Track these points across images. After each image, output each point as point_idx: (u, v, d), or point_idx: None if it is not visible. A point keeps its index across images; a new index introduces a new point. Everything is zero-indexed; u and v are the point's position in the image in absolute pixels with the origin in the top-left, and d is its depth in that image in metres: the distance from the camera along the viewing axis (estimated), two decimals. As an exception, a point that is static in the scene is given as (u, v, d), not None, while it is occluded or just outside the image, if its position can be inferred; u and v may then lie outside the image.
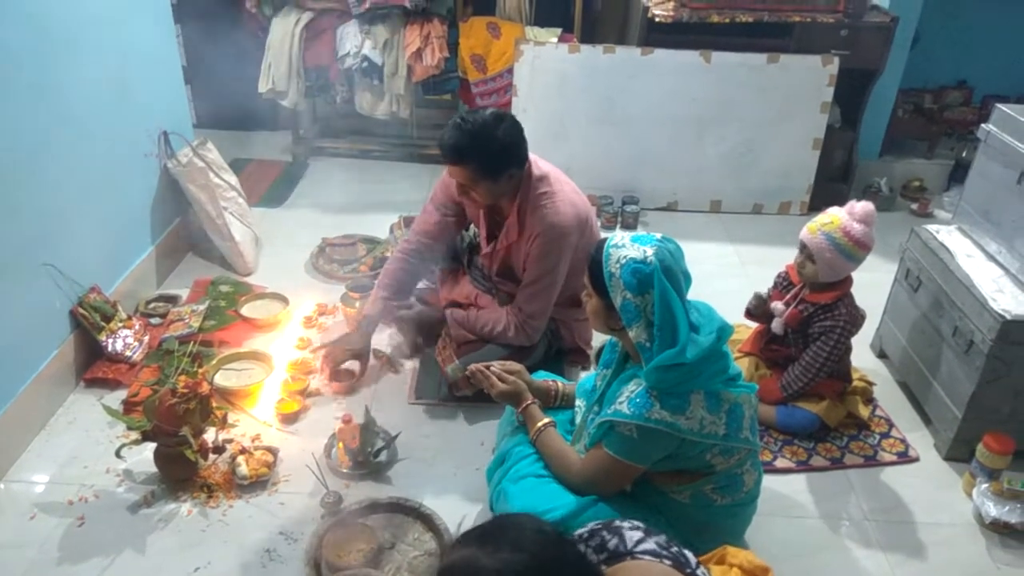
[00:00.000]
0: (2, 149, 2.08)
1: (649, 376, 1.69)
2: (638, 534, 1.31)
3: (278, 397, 2.44)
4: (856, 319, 2.33)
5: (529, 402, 2.01)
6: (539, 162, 2.39)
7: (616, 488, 1.83)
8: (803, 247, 2.32)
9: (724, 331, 1.75)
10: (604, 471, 1.79)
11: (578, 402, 2.04)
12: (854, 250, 2.23)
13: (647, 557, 1.26)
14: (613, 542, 1.29)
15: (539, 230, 2.32)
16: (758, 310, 2.47)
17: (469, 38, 3.81)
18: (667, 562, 1.25)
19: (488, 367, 2.08)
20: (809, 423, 2.36)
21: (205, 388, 2.07)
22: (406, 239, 2.61)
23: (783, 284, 2.46)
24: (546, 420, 1.97)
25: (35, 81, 2.20)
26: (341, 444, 2.22)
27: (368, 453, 2.23)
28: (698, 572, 1.27)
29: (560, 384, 2.15)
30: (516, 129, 2.27)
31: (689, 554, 1.31)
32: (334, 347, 2.49)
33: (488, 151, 2.22)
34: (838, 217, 2.26)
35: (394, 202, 3.77)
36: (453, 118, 2.27)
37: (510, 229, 2.40)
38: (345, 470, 2.20)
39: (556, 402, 2.12)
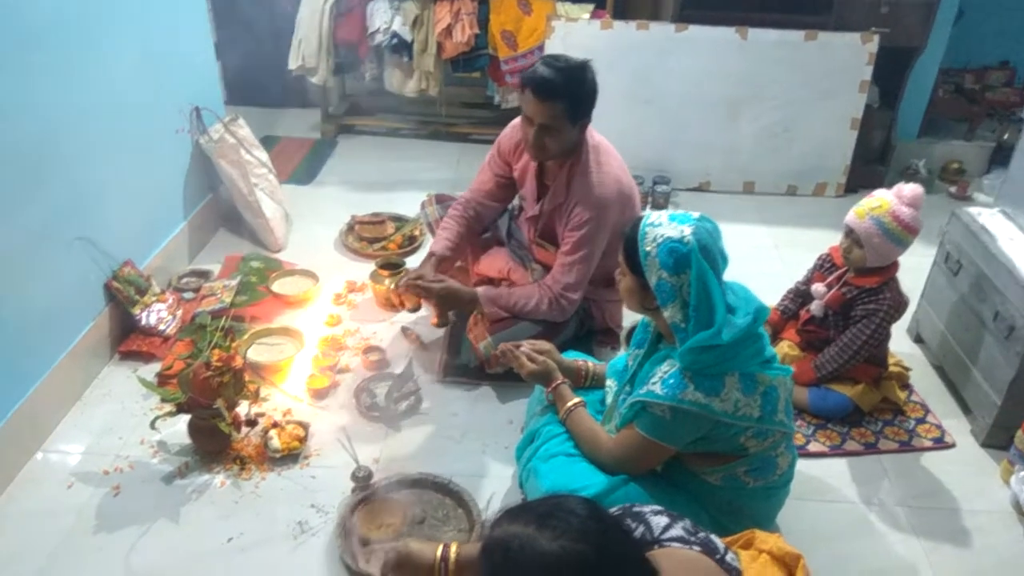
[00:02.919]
0: (36, 123, 2.09)
1: (683, 357, 1.67)
2: (663, 519, 1.29)
3: (309, 372, 2.45)
4: (900, 304, 2.28)
5: (559, 382, 2.00)
6: (593, 131, 2.37)
7: (646, 468, 1.82)
8: (849, 232, 2.26)
9: (761, 312, 1.72)
10: (635, 451, 1.77)
11: (608, 382, 2.02)
12: (903, 234, 2.18)
13: (675, 544, 1.23)
14: (639, 530, 1.26)
15: (580, 198, 2.32)
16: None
17: (499, 14, 3.77)
18: (696, 548, 1.23)
19: (518, 347, 2.07)
20: (842, 407, 2.33)
21: (239, 362, 2.09)
22: (462, 194, 2.65)
23: (826, 266, 2.41)
24: (576, 400, 1.96)
25: (69, 55, 2.21)
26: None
27: (393, 398, 2.30)
28: (727, 558, 1.25)
29: (590, 364, 2.14)
30: (596, 79, 2.26)
31: (716, 539, 1.29)
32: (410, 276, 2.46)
33: (579, 92, 2.22)
34: (887, 201, 2.21)
35: (422, 180, 3.75)
36: (540, 58, 2.29)
37: (557, 191, 2.39)
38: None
39: (586, 382, 2.10)
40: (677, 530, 1.25)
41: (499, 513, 1.14)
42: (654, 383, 1.70)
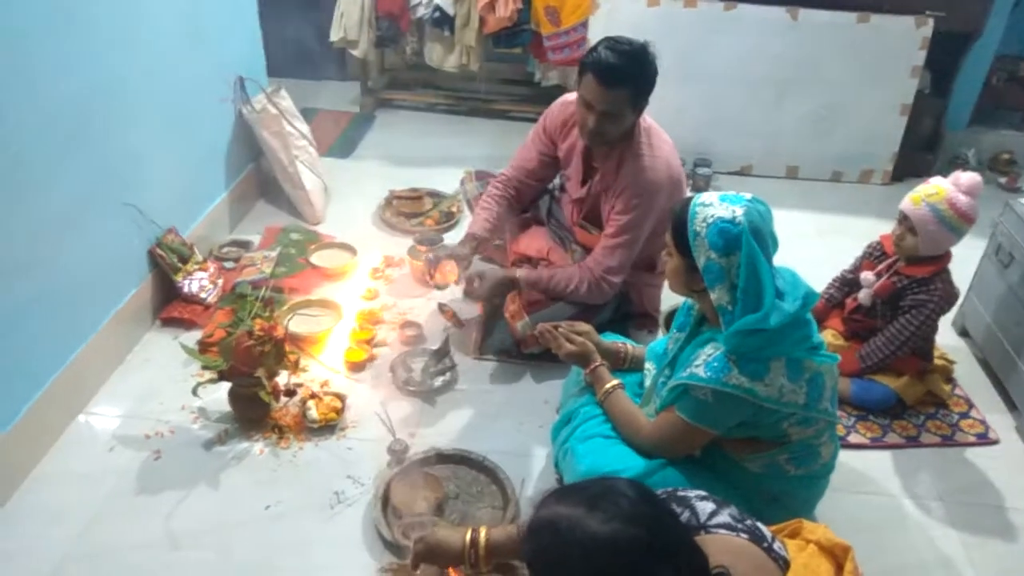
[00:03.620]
0: (82, 88, 2.09)
1: (729, 340, 1.64)
2: (710, 505, 1.27)
3: (346, 345, 2.46)
4: (951, 296, 2.23)
5: (598, 363, 1.98)
6: (645, 114, 2.32)
7: (685, 452, 1.80)
8: (904, 218, 2.21)
9: (810, 298, 1.68)
10: (675, 434, 1.75)
11: (647, 365, 2.00)
12: (959, 223, 2.13)
13: (722, 531, 1.22)
14: (685, 515, 1.25)
15: (631, 182, 2.27)
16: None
17: (544, -10, 3.72)
18: (744, 536, 1.21)
19: (556, 327, 2.06)
20: (886, 399, 2.29)
21: (280, 332, 2.10)
22: (503, 171, 2.59)
23: (876, 254, 2.36)
24: (615, 382, 1.94)
25: (112, 22, 2.20)
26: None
27: (430, 373, 2.31)
28: (775, 547, 1.23)
29: (629, 347, 2.12)
30: (656, 62, 2.19)
31: (763, 527, 1.26)
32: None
33: (643, 78, 2.16)
34: (943, 188, 2.15)
35: (460, 157, 3.73)
36: (603, 40, 2.18)
37: (606, 174, 2.34)
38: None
39: (625, 364, 2.09)
40: (724, 516, 1.23)
41: (546, 493, 1.12)
42: (697, 366, 1.68)
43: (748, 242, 1.59)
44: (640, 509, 1.03)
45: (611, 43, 2.15)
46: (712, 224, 1.61)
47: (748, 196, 1.66)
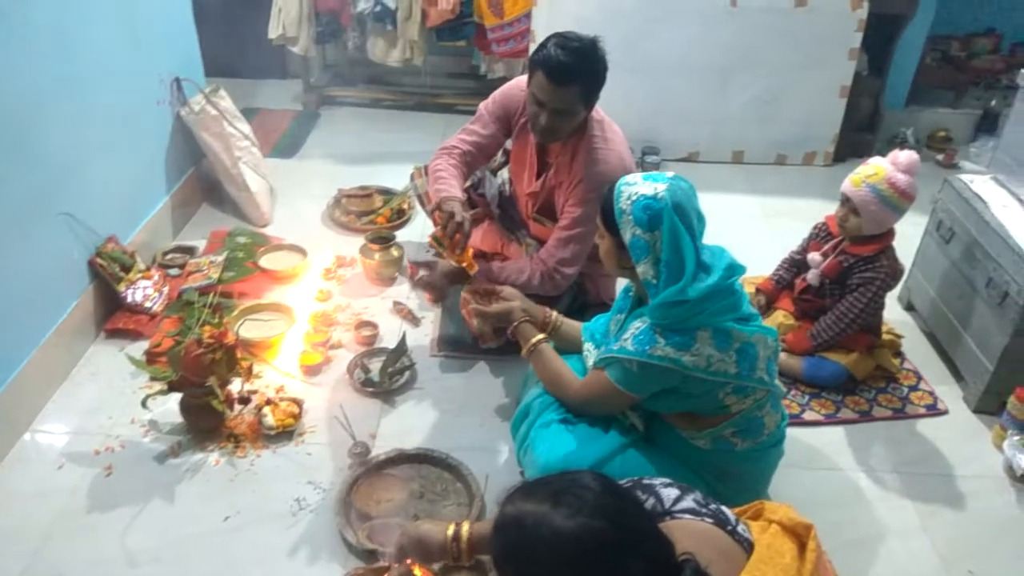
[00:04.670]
0: (15, 95, 2.02)
1: (653, 313, 1.68)
2: (674, 492, 1.28)
3: (301, 349, 2.42)
4: (897, 272, 2.29)
5: (521, 320, 1.99)
6: (597, 106, 2.31)
7: (611, 412, 1.86)
8: (846, 200, 2.25)
9: (733, 269, 1.72)
10: (602, 395, 1.80)
11: (586, 346, 2.01)
12: (899, 201, 2.18)
13: (687, 516, 1.22)
14: (650, 502, 1.26)
15: (585, 174, 2.26)
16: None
17: (486, -19, 3.70)
18: (708, 520, 1.22)
19: (475, 294, 2.09)
20: (837, 375, 2.34)
21: (231, 338, 2.05)
22: (454, 143, 2.43)
23: (822, 235, 2.40)
24: (540, 336, 1.96)
25: (46, 25, 2.13)
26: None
27: (388, 374, 2.29)
28: (738, 529, 1.24)
29: (555, 315, 2.09)
30: (606, 56, 2.16)
31: (727, 510, 1.28)
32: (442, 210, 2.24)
33: (594, 74, 2.14)
34: (882, 168, 2.20)
35: (408, 152, 3.69)
36: (552, 37, 2.13)
37: (559, 168, 2.33)
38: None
39: (548, 329, 2.06)
40: (688, 502, 1.24)
41: (511, 490, 1.11)
42: (626, 339, 1.73)
43: (670, 216, 1.64)
44: (604, 501, 1.03)
45: (561, 40, 2.12)
46: (636, 201, 1.65)
47: (670, 174, 1.71)
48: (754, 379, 1.71)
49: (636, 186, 1.67)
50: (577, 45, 2.10)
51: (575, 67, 2.09)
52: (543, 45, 2.14)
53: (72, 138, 2.28)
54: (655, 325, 1.68)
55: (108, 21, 2.46)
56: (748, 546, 1.22)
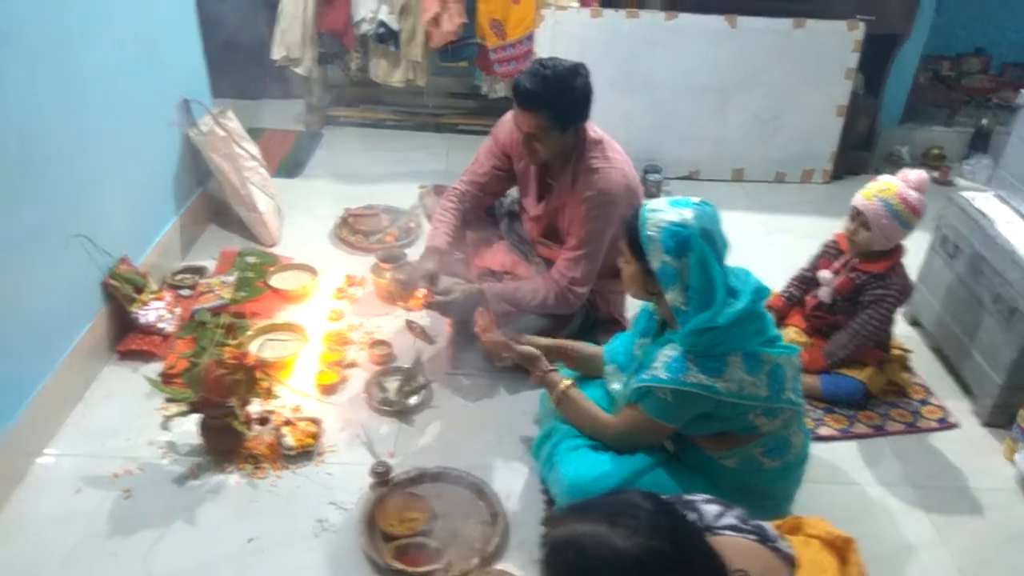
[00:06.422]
0: (30, 118, 2.02)
1: (684, 340, 1.69)
2: (716, 508, 1.28)
3: (316, 368, 2.41)
4: (907, 289, 2.33)
5: (546, 370, 2.00)
6: (594, 126, 2.34)
7: (649, 445, 1.86)
8: (857, 214, 2.29)
9: (760, 293, 1.74)
10: (638, 429, 1.81)
11: (608, 368, 2.02)
12: (910, 216, 2.22)
13: (729, 532, 1.23)
14: (692, 516, 1.27)
15: (588, 194, 2.29)
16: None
17: (488, 2, 3.72)
18: (751, 537, 1.23)
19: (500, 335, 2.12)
20: (855, 390, 2.36)
21: (251, 359, 2.04)
22: (455, 185, 2.56)
23: (832, 252, 2.44)
24: (568, 382, 1.97)
25: (60, 50, 2.13)
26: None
27: (404, 392, 2.31)
28: (780, 545, 1.25)
29: (578, 345, 2.13)
30: (590, 82, 2.21)
31: (768, 526, 1.29)
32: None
33: (564, 101, 2.17)
34: (893, 184, 2.25)
35: (412, 172, 3.72)
36: (531, 63, 2.22)
37: (562, 191, 2.36)
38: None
39: (575, 363, 2.11)
40: (730, 518, 1.25)
41: (558, 512, 1.12)
42: (657, 367, 1.73)
43: (698, 243, 1.65)
44: (660, 521, 1.03)
45: (534, 67, 2.18)
46: (664, 228, 1.66)
47: (696, 200, 1.72)
48: (783, 400, 1.73)
49: (663, 212, 1.68)
50: (546, 73, 2.15)
51: (540, 94, 2.14)
52: (522, 70, 2.22)
53: (84, 160, 2.28)
54: (687, 352, 1.69)
55: (120, 44, 2.47)
56: (791, 562, 1.23)
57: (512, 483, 2.10)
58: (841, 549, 1.27)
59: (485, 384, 2.46)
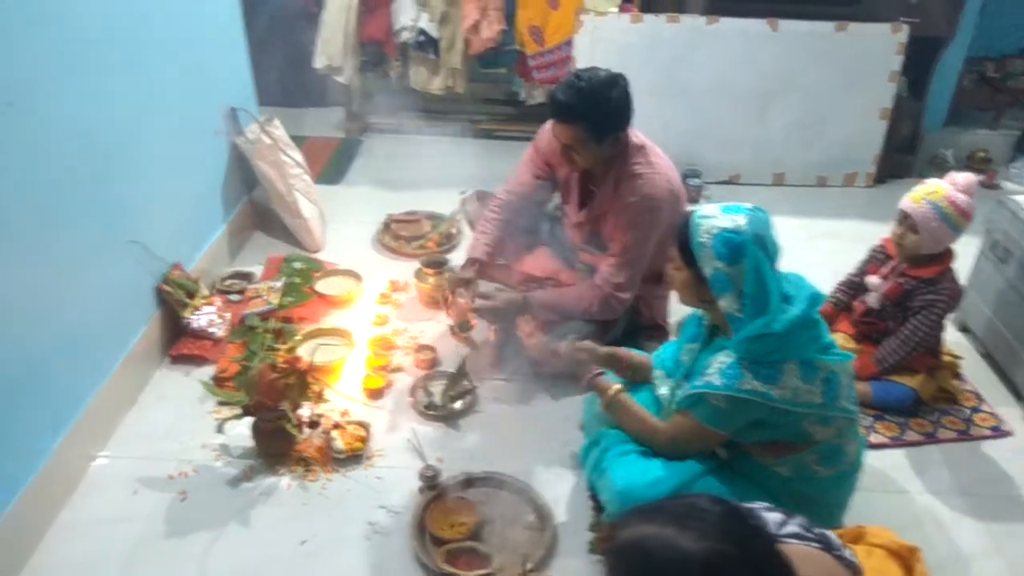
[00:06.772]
0: (93, 130, 2.07)
1: (739, 347, 1.68)
2: (778, 516, 1.28)
3: (363, 373, 2.44)
4: (958, 294, 2.29)
5: (595, 372, 2.01)
6: (637, 132, 2.34)
7: (699, 451, 1.84)
8: (905, 217, 2.26)
9: (815, 299, 1.72)
10: (690, 436, 1.80)
11: (656, 373, 2.01)
12: (959, 220, 2.19)
13: (792, 541, 1.23)
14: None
15: (632, 200, 2.29)
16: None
17: (527, 9, 3.75)
18: (815, 545, 1.22)
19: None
20: (907, 397, 2.33)
21: (304, 364, 2.07)
22: (498, 195, 2.57)
23: (880, 257, 2.41)
24: (617, 387, 1.96)
25: (113, 65, 2.17)
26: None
27: (449, 397, 2.32)
28: (845, 554, 1.24)
29: (632, 353, 2.12)
30: (628, 92, 2.21)
31: (831, 535, 1.28)
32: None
33: (600, 112, 2.17)
34: (942, 187, 2.22)
35: (450, 178, 3.72)
36: (568, 75, 2.22)
37: (604, 197, 2.36)
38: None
39: (627, 372, 2.09)
40: (793, 526, 1.24)
41: (625, 515, 1.12)
42: (711, 374, 1.71)
43: (752, 249, 1.63)
44: (729, 524, 1.03)
45: (570, 79, 2.18)
46: (717, 234, 1.65)
47: (748, 205, 1.70)
48: (837, 407, 1.71)
49: (715, 219, 1.66)
50: (581, 85, 2.15)
51: (575, 107, 2.15)
52: (559, 79, 2.20)
53: (139, 169, 2.34)
54: (741, 359, 1.67)
55: (171, 56, 2.52)
56: (855, 570, 1.22)
57: (558, 489, 2.11)
58: (906, 558, 1.26)
59: (529, 389, 2.46)
